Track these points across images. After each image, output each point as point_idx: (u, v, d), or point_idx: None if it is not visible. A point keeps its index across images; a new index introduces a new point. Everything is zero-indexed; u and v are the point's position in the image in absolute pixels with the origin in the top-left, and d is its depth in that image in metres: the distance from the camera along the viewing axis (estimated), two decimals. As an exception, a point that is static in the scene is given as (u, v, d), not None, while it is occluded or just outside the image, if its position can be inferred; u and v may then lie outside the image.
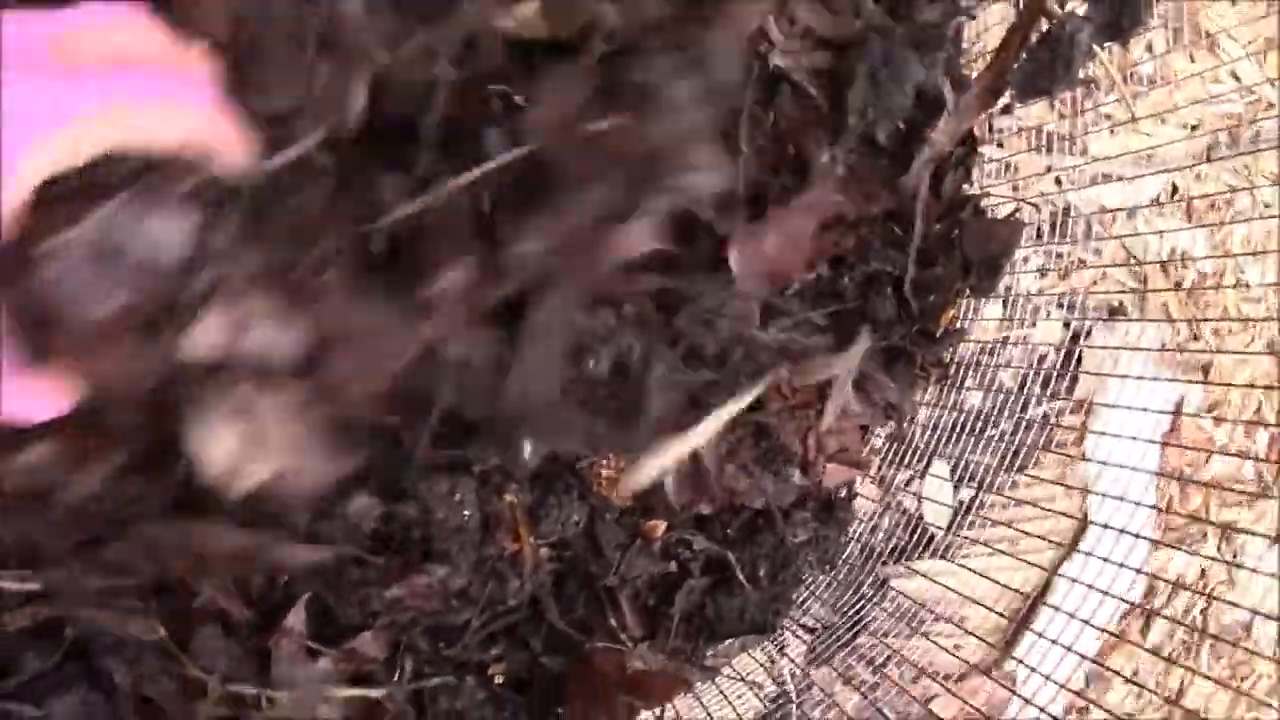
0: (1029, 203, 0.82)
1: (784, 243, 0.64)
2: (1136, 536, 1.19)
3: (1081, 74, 0.55)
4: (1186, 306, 1.23)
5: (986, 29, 0.73)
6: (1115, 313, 1.21)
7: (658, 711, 0.72)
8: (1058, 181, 1.18)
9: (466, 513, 0.63)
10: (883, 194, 0.64)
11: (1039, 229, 1.17)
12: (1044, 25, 0.58)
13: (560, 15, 0.54)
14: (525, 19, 0.54)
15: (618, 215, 0.52)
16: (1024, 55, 0.58)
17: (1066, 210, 1.19)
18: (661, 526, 0.68)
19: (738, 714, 1.04)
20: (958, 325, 0.70)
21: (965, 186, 0.69)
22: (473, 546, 0.64)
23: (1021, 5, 0.59)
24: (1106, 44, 0.54)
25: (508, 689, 0.67)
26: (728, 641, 0.69)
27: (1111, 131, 1.21)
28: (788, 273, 0.65)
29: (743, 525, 0.70)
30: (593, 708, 0.64)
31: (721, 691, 0.88)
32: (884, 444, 1.03)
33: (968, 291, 0.68)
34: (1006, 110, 0.61)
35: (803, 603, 1.00)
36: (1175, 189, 1.22)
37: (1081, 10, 0.54)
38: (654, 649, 0.67)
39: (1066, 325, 1.20)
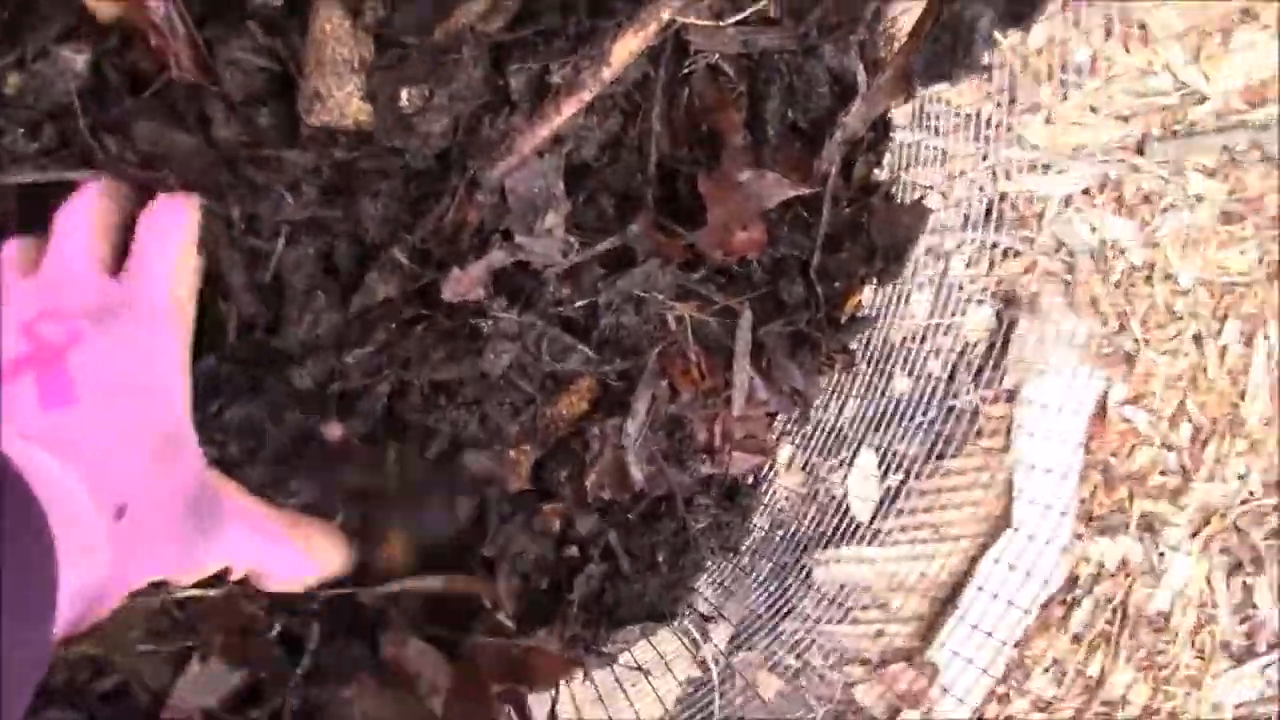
0: (940, 192, 0.82)
1: (749, 210, 0.64)
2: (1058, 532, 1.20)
3: (984, 60, 0.55)
4: (1115, 298, 1.23)
5: (905, 10, 0.72)
6: (1042, 303, 1.21)
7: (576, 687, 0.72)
8: (991, 171, 1.18)
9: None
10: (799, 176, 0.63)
11: (970, 217, 1.17)
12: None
13: None
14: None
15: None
16: (926, 43, 0.57)
17: (998, 199, 1.19)
18: (560, 511, 0.67)
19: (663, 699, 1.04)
20: (864, 312, 0.69)
21: (875, 172, 0.69)
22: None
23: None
24: (1008, 30, 0.54)
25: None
26: (627, 628, 0.68)
27: (1048, 121, 1.21)
28: (754, 246, 0.65)
29: (643, 511, 0.69)
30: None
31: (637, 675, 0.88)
32: (811, 430, 1.02)
33: (873, 278, 0.68)
34: (908, 97, 0.60)
35: (725, 587, 0.99)
36: (1107, 180, 1.23)
37: (984, -3, 0.53)
38: (550, 634, 0.67)
39: (996, 314, 1.20)
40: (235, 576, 0.59)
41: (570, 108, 0.58)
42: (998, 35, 0.53)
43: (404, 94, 0.57)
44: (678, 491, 0.67)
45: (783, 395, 0.67)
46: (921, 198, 0.67)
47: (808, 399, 0.67)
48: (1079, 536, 1.24)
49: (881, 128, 0.68)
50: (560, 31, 0.59)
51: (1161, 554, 1.25)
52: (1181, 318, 1.25)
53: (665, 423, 0.66)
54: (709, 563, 0.69)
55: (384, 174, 0.60)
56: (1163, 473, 1.26)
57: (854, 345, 0.69)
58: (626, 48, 0.58)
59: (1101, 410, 1.23)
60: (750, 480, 0.73)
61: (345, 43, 0.58)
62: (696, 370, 0.65)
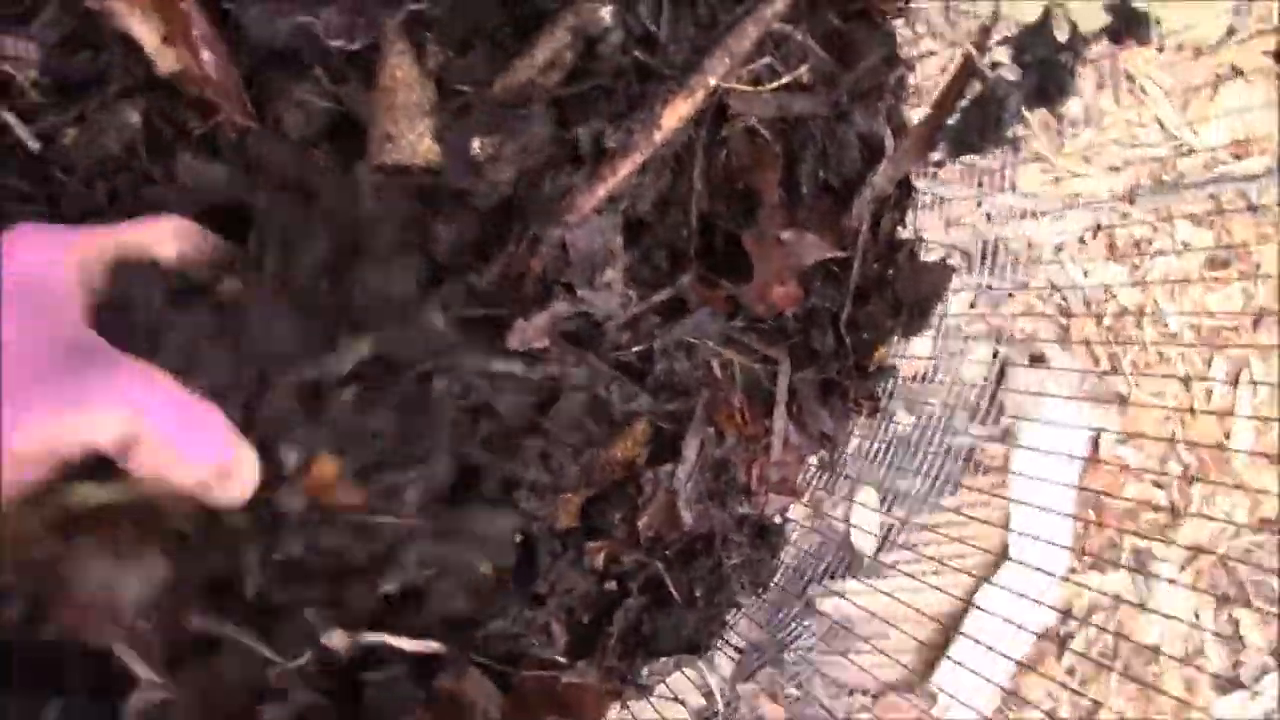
0: (961, 249, 0.86)
1: (789, 268, 0.68)
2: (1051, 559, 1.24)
3: (1010, 134, 0.59)
4: (1107, 340, 1.28)
5: (927, 77, 0.77)
6: (1039, 345, 1.26)
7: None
8: (987, 217, 1.22)
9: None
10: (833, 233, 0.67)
11: (969, 261, 1.22)
12: (977, 85, 0.62)
13: None
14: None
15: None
16: (957, 113, 0.61)
17: (995, 244, 1.24)
18: (605, 548, 0.70)
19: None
20: (889, 362, 0.73)
21: (900, 229, 0.73)
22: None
23: (955, 65, 0.62)
24: (1036, 108, 0.58)
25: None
26: (662, 660, 0.72)
27: (1043, 170, 1.26)
28: (792, 301, 0.68)
29: (682, 548, 0.72)
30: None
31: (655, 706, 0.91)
32: (815, 469, 1.06)
33: (898, 330, 0.72)
34: (939, 164, 0.64)
35: (734, 621, 1.03)
36: (1099, 227, 1.27)
37: (1011, 75, 0.57)
38: (590, 665, 0.70)
39: (994, 355, 1.24)
40: (142, 465, 0.49)
41: (625, 169, 0.62)
42: (1025, 113, 0.57)
43: (476, 143, 0.61)
44: (719, 531, 0.70)
45: (813, 439, 0.71)
46: (946, 257, 0.71)
47: (836, 443, 0.71)
48: (1073, 570, 1.28)
49: (905, 187, 0.72)
50: (615, 89, 0.63)
51: (1152, 588, 1.29)
52: (1170, 359, 1.29)
53: (711, 466, 0.69)
54: (741, 598, 0.73)
55: (457, 202, 0.63)
56: (1153, 509, 1.30)
57: (880, 393, 0.73)
58: (676, 113, 0.62)
59: (1094, 448, 1.27)
60: (778, 519, 0.77)
61: (414, 88, 0.61)
62: (740, 416, 0.69)
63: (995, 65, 0.59)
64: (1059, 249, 1.27)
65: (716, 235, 0.70)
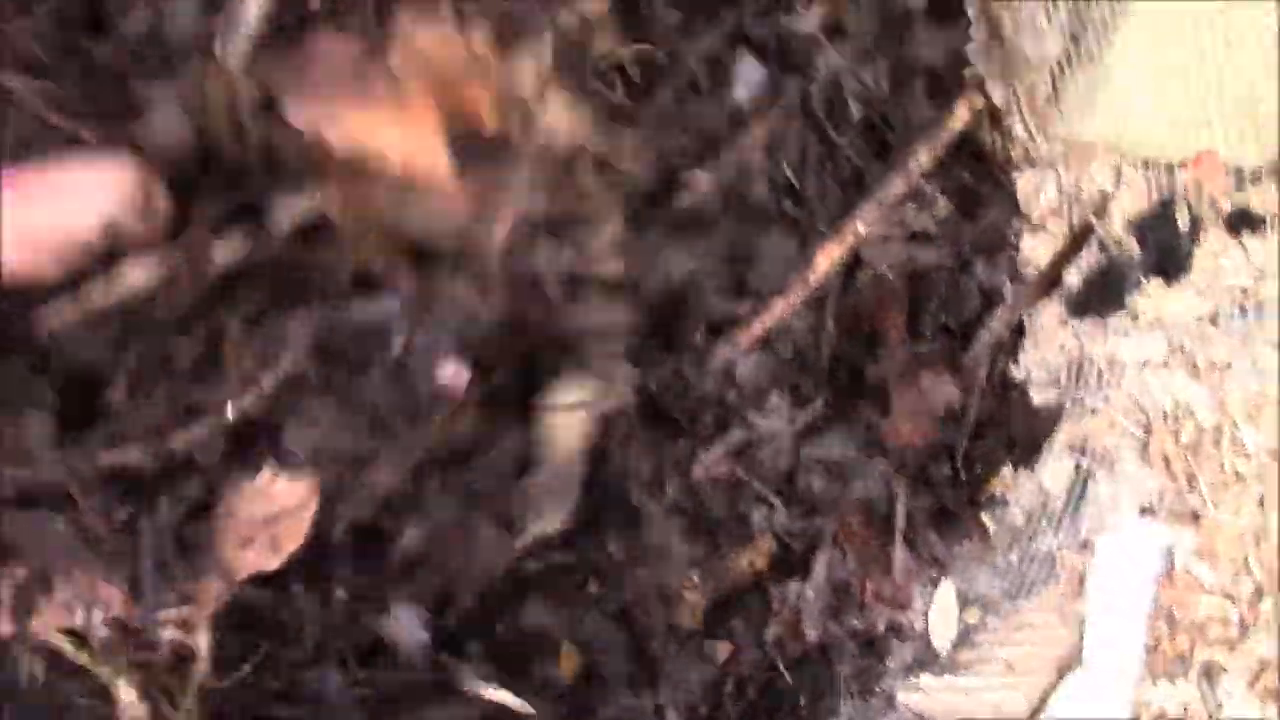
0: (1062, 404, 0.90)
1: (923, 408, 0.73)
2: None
3: (1129, 302, 0.64)
4: (1185, 458, 1.32)
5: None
6: (1118, 459, 1.30)
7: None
8: (1074, 334, 1.27)
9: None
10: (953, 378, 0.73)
11: (1057, 378, 1.27)
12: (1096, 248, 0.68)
13: None
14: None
15: None
16: (1081, 281, 0.67)
17: (1081, 360, 1.29)
18: (728, 649, 0.76)
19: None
20: (1000, 493, 0.78)
21: (1013, 368, 0.78)
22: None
23: (1072, 228, 0.68)
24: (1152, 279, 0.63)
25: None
26: (775, 758, 0.77)
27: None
28: (924, 438, 0.74)
29: (798, 656, 0.77)
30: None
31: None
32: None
33: (1010, 464, 0.77)
34: (1063, 323, 0.70)
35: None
36: (1182, 348, 1.32)
37: (1130, 244, 0.62)
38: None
39: (1075, 468, 1.28)
40: None
41: (783, 308, 0.68)
42: (1143, 282, 0.63)
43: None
44: (834, 642, 0.76)
45: (924, 561, 0.77)
46: (1060, 403, 0.76)
47: (945, 567, 0.76)
48: (1144, 680, 1.31)
49: (1018, 330, 0.78)
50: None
51: (1220, 703, 1.32)
52: (1246, 480, 1.33)
53: (836, 585, 0.75)
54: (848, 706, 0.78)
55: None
56: (1223, 624, 1.33)
57: (989, 521, 0.79)
58: (829, 257, 0.69)
59: (1169, 563, 1.31)
60: (885, 629, 0.82)
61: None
62: (859, 536, 0.74)
63: (1117, 241, 0.65)
64: (1142, 366, 1.31)
65: (841, 369, 0.76)
